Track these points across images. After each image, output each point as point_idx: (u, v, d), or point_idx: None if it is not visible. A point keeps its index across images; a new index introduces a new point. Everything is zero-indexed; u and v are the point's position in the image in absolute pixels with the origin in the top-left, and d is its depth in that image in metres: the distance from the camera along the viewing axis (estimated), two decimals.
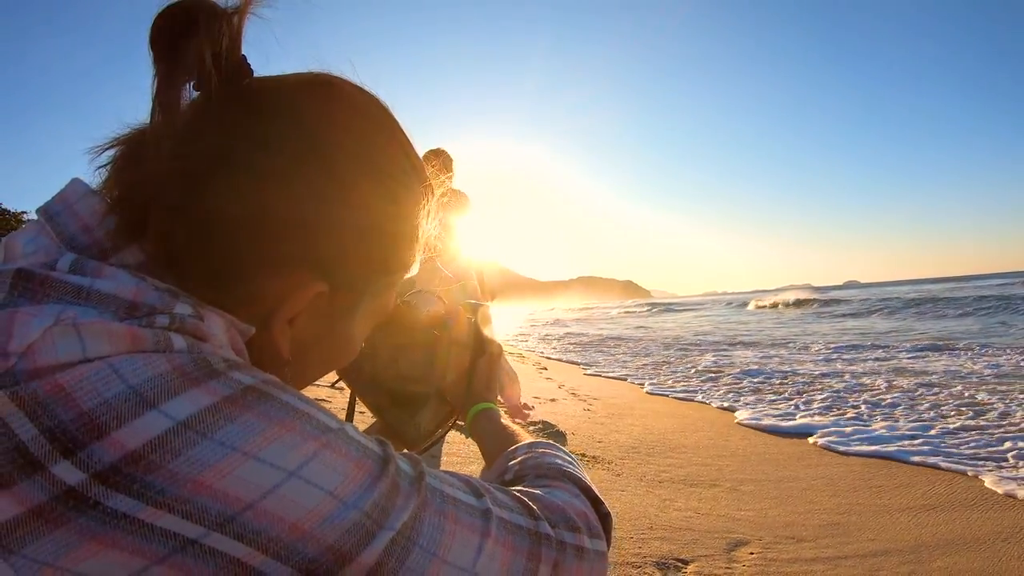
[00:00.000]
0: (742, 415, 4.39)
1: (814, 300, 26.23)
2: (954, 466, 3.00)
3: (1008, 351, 7.40)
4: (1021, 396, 4.51)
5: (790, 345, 9.80)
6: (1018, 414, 3.94)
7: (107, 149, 0.44)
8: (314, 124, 0.44)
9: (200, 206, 0.40)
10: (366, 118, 0.47)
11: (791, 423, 4.06)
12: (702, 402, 5.07)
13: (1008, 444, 3.29)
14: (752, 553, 2.02)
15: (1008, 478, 2.75)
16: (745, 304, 31.28)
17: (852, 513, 2.44)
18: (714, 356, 8.56)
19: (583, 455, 3.29)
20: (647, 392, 5.70)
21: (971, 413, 4.05)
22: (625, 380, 6.63)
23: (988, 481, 2.73)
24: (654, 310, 36.22)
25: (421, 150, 0.53)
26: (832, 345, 9.33)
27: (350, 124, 0.46)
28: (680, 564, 1.92)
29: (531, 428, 3.74)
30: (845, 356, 7.93)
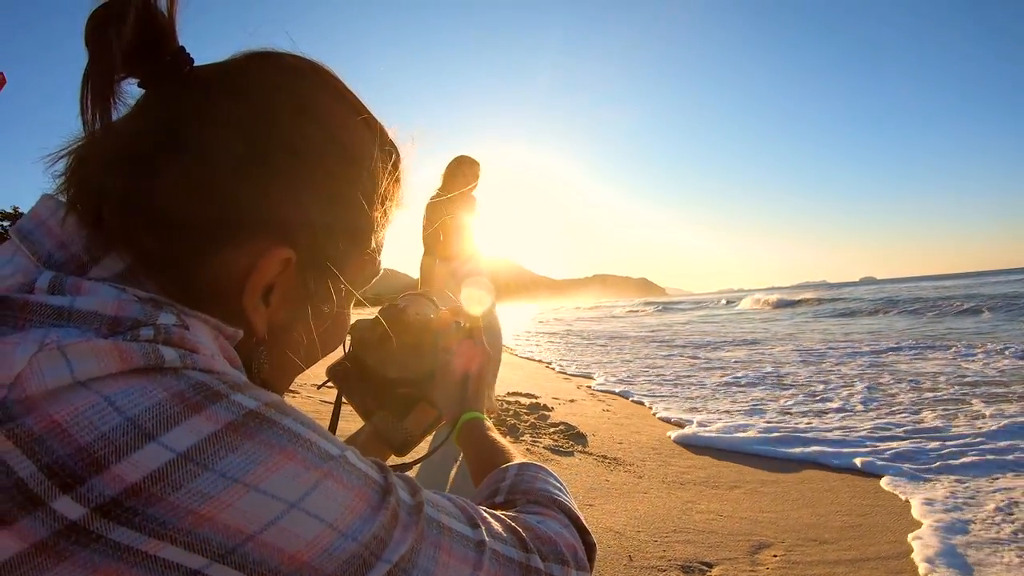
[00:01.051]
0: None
1: (801, 300, 26.07)
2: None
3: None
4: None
5: (784, 345, 9.72)
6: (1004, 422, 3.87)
7: (61, 158, 0.42)
8: (255, 91, 0.44)
9: (146, 188, 0.40)
10: (308, 79, 0.47)
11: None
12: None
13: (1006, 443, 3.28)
14: (775, 555, 2.05)
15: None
16: (735, 302, 31.94)
17: (874, 515, 2.46)
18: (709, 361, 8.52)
19: (604, 457, 3.33)
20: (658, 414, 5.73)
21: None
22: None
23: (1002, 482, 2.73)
24: (658, 308, 36.11)
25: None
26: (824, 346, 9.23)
27: (293, 87, 0.45)
28: (704, 567, 1.96)
29: (552, 430, 3.79)
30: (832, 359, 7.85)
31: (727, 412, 4.48)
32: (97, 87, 0.41)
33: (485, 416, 0.73)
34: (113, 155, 0.41)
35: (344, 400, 0.75)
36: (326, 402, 4.07)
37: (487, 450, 0.67)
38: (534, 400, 4.79)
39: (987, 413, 4.03)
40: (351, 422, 0.80)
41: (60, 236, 0.41)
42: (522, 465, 0.61)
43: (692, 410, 4.63)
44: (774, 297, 27.76)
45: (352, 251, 0.49)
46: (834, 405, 4.59)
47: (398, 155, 0.52)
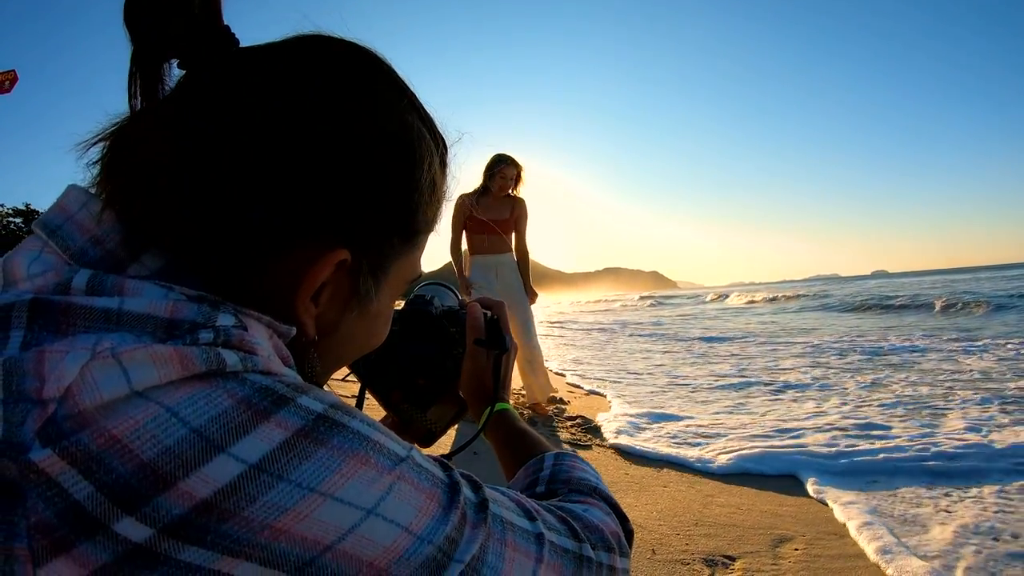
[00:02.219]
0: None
1: (779, 296, 26.16)
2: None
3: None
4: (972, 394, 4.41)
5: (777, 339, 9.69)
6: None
7: (94, 144, 0.40)
8: (311, 81, 0.41)
9: (203, 187, 0.37)
10: (365, 70, 0.44)
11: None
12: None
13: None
14: (797, 549, 2.07)
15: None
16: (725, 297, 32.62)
17: None
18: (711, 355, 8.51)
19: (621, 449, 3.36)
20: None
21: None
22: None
23: None
24: (652, 303, 36.19)
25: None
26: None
27: (349, 77, 0.43)
28: (728, 560, 1.99)
29: (569, 423, 3.83)
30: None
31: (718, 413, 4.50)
32: (143, 71, 0.40)
33: (511, 406, 0.73)
34: (156, 143, 0.38)
35: (367, 392, 0.75)
36: (347, 396, 4.12)
37: (519, 441, 0.66)
38: (551, 393, 4.83)
39: (994, 413, 4.01)
40: (372, 413, 0.80)
41: (93, 231, 0.38)
42: (558, 455, 0.61)
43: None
44: (760, 295, 27.92)
45: (403, 250, 0.48)
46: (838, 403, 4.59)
47: (446, 149, 0.50)
